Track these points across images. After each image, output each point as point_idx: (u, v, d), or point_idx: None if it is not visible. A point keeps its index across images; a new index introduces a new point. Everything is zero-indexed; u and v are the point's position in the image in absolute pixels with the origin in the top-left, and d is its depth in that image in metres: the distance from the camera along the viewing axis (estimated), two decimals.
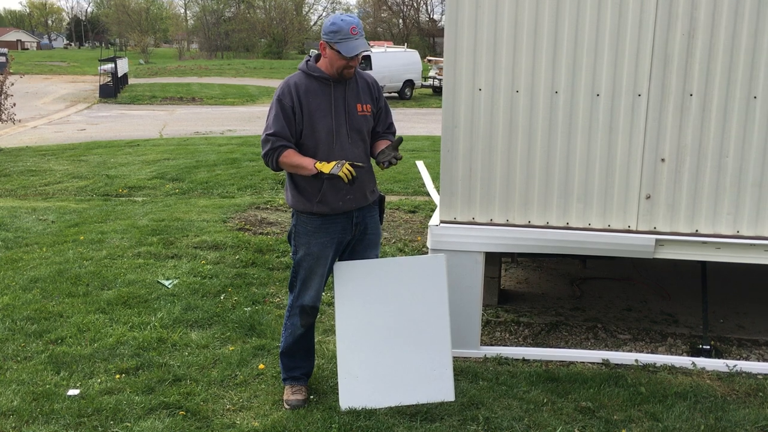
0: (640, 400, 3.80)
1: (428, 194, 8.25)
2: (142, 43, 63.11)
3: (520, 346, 4.59)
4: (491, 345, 4.56)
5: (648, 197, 4.11)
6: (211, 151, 13.19)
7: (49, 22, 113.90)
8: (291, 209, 3.73)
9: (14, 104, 14.10)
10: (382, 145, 3.68)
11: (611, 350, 4.52)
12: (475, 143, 4.16)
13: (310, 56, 3.64)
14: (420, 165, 8.72)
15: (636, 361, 4.29)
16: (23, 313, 4.89)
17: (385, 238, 6.92)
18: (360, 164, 3.54)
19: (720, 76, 3.94)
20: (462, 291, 4.20)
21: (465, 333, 4.26)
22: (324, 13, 72.92)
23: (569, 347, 4.57)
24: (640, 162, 4.07)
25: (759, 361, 4.41)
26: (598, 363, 4.31)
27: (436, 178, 7.02)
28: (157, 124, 19.24)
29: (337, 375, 3.75)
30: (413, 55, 29.89)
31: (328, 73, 3.53)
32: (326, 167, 3.44)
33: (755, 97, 3.93)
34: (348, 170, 3.42)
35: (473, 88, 4.09)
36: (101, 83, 28.06)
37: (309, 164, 3.47)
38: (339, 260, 3.76)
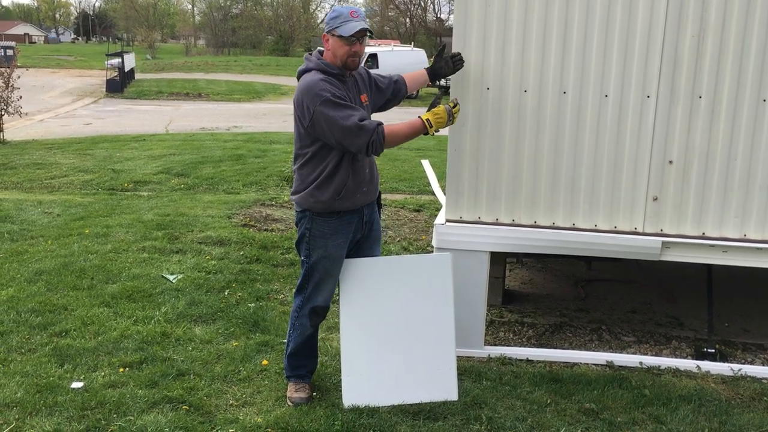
0: (644, 403, 3.79)
1: (433, 193, 8.25)
2: (150, 39, 63.25)
3: (524, 346, 4.58)
4: (495, 345, 4.56)
5: (655, 199, 4.10)
6: (217, 147, 13.21)
7: (57, 16, 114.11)
8: (300, 212, 3.63)
9: (20, 97, 14.12)
10: (417, 74, 3.95)
11: (615, 352, 4.50)
12: (482, 142, 4.14)
13: (311, 53, 3.59)
14: (425, 164, 8.71)
15: (640, 363, 4.28)
16: (28, 305, 4.90)
17: (389, 237, 6.91)
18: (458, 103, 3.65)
19: (729, 79, 3.92)
20: (467, 290, 4.19)
21: (469, 332, 4.25)
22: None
23: (573, 348, 4.56)
24: (647, 163, 4.06)
25: (764, 365, 4.39)
26: (602, 365, 4.30)
27: (441, 178, 7.02)
28: (163, 120, 19.26)
29: (340, 372, 3.75)
30: (420, 54, 29.91)
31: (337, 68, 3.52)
32: (441, 121, 3.48)
33: (765, 100, 3.92)
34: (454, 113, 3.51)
35: (481, 87, 4.08)
36: (108, 78, 28.10)
37: (418, 123, 3.47)
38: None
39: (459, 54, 3.97)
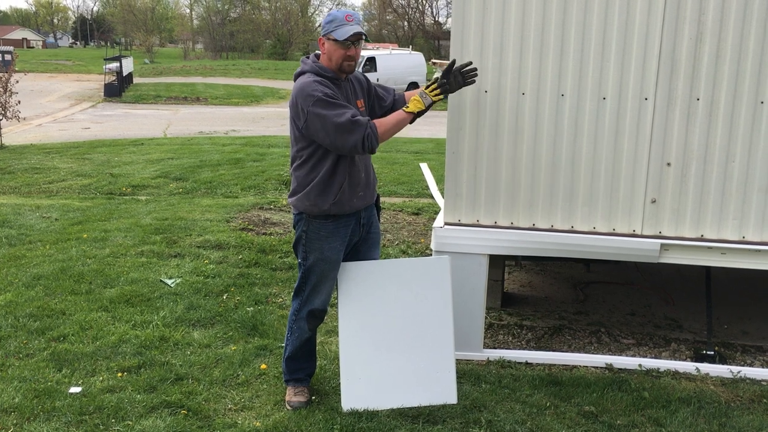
0: (643, 405, 3.79)
1: (432, 196, 8.25)
2: (148, 43, 63.24)
3: (523, 349, 4.57)
4: (494, 348, 4.55)
5: (653, 201, 4.10)
6: (215, 150, 13.20)
7: (55, 20, 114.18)
8: (297, 215, 3.64)
9: (19, 102, 14.12)
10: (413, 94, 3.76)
11: (615, 355, 4.50)
12: (480, 145, 4.14)
13: (308, 57, 3.60)
14: (424, 167, 8.71)
15: (639, 365, 4.27)
16: (26, 310, 4.89)
17: (388, 240, 6.91)
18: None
19: (727, 81, 3.92)
20: (465, 293, 4.19)
21: (468, 335, 4.25)
22: None
23: (572, 351, 4.56)
24: (645, 166, 4.06)
25: (763, 367, 4.39)
26: (601, 367, 4.29)
27: (440, 181, 7.02)
28: (162, 124, 19.25)
29: (339, 376, 3.74)
30: (418, 57, 29.93)
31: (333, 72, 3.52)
32: (419, 105, 3.50)
33: (762, 103, 3.92)
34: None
35: (479, 90, 4.08)
36: (106, 82, 28.11)
37: (402, 114, 3.52)
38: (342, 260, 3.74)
39: (470, 65, 3.70)
